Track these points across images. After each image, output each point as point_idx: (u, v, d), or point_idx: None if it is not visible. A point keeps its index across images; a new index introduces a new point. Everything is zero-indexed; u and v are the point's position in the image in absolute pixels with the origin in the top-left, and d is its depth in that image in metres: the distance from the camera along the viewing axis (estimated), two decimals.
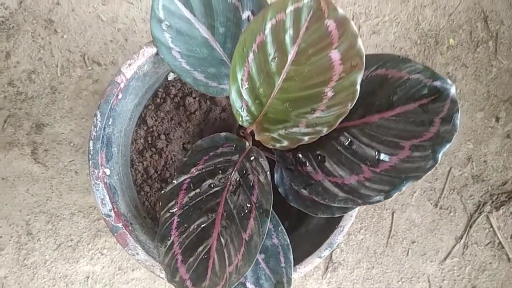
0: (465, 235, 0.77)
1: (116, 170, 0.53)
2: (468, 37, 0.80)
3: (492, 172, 0.78)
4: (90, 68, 0.74)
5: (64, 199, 0.74)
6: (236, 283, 0.41)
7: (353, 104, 0.42)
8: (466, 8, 0.79)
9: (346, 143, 0.44)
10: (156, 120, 0.60)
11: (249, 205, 0.45)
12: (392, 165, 0.41)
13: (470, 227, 0.77)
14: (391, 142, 0.41)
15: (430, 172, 0.39)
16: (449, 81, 0.39)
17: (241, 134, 0.54)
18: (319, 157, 0.45)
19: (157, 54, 0.49)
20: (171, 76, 0.58)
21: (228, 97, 0.61)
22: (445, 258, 0.77)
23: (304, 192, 0.44)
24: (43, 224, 0.74)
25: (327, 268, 0.75)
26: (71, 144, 0.74)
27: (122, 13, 0.75)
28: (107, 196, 0.48)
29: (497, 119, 0.79)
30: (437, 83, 0.39)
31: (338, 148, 0.44)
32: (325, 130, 0.43)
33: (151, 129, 0.60)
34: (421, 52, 0.79)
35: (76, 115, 0.74)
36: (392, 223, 0.77)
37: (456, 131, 0.38)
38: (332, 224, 0.51)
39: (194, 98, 0.60)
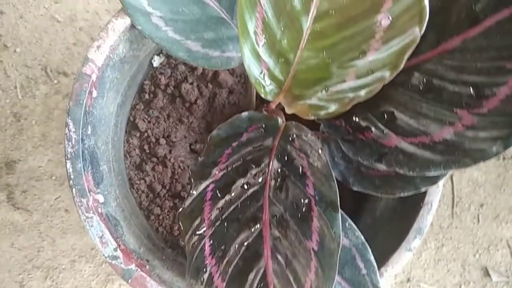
0: None
1: (112, 194, 0.39)
2: None
3: None
4: (56, 81, 0.61)
5: (59, 245, 0.60)
6: None
7: (423, 29, 0.29)
8: None
9: (422, 87, 0.31)
10: (149, 122, 0.46)
11: (305, 201, 0.32)
12: (504, 98, 0.28)
13: None
14: (491, 68, 0.29)
15: None
16: None
17: (265, 112, 0.41)
18: (386, 115, 0.33)
19: (132, 26, 0.36)
20: (156, 62, 0.45)
21: (233, 73, 0.47)
22: None
23: (381, 166, 0.31)
24: (41, 281, 0.60)
25: None
26: (53, 178, 0.61)
27: (81, 8, 0.61)
28: (107, 232, 0.35)
29: None
30: None
31: (411, 95, 0.32)
32: (388, 75, 0.31)
33: (146, 135, 0.46)
34: None
35: (51, 141, 0.61)
36: (453, 188, 0.65)
37: None
38: (412, 204, 0.38)
39: (191, 83, 0.46)
